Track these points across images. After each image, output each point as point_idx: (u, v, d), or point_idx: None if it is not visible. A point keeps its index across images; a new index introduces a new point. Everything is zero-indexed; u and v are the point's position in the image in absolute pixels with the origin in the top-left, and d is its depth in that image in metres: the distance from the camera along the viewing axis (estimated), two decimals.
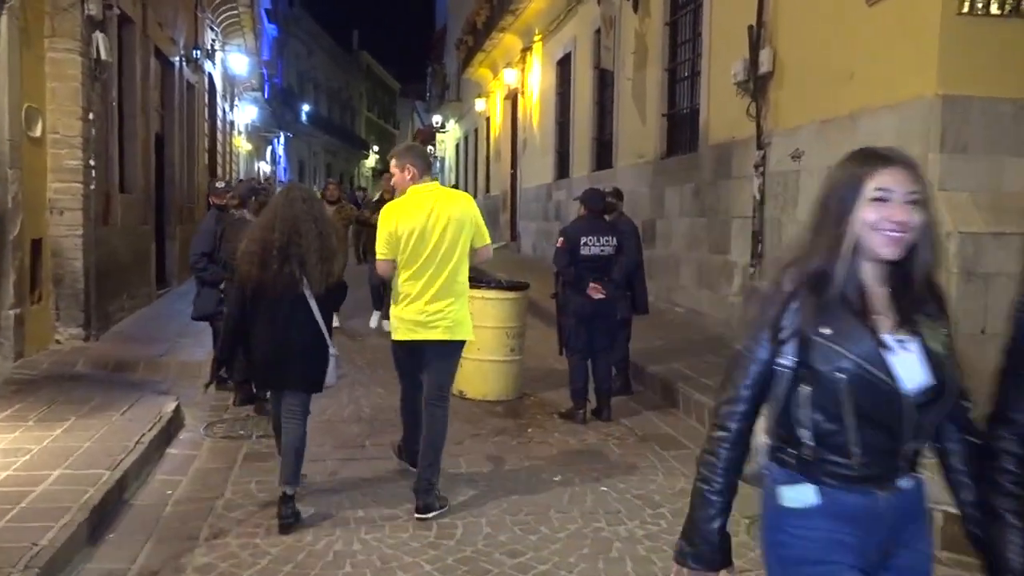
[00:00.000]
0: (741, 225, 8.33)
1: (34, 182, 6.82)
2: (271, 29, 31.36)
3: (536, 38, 17.10)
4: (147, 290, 9.77)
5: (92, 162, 7.38)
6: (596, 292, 5.61)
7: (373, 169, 58.88)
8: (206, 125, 14.63)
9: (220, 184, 6.63)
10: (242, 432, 5.43)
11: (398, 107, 66.00)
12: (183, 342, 7.51)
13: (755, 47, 7.82)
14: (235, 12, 15.59)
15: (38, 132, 6.84)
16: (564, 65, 15.53)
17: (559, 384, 6.87)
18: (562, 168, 15.61)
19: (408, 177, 4.34)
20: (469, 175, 27.97)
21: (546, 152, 16.55)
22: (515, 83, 18.72)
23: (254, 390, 5.92)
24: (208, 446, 5.14)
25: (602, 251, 5.69)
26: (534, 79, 17.68)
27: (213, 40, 14.91)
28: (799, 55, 7.36)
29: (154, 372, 6.65)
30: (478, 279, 6.63)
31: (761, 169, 7.85)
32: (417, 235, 4.17)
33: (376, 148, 60.39)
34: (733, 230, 8.53)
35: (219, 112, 16.92)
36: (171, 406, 5.32)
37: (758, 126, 7.86)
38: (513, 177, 20.20)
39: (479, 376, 6.28)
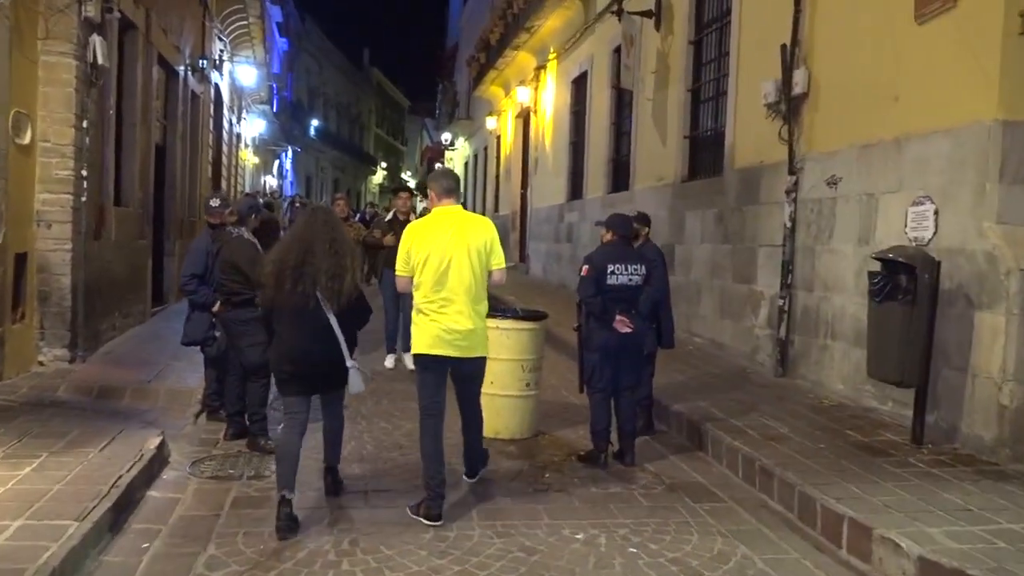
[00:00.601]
0: (769, 253, 7.87)
1: (20, 192, 6.41)
2: (282, 43, 31.20)
3: (551, 56, 16.76)
4: (141, 308, 9.33)
5: (84, 172, 6.96)
6: (623, 326, 5.15)
7: (380, 185, 58.72)
8: (211, 137, 14.26)
9: (215, 202, 6.18)
10: (232, 471, 4.95)
11: (407, 124, 66.03)
12: (175, 366, 7.05)
13: (789, 67, 7.40)
14: (245, 23, 15.27)
15: (27, 139, 6.43)
16: (580, 84, 15.17)
17: (576, 422, 6.40)
18: (575, 189, 15.20)
19: (430, 199, 4.72)
20: (478, 194, 27.60)
21: (559, 172, 16.15)
22: (528, 101, 18.37)
23: (246, 423, 5.46)
24: (194, 488, 4.66)
25: (630, 280, 5.23)
26: (548, 98, 17.32)
27: (221, 51, 14.57)
28: (837, 75, 6.93)
29: (141, 399, 6.19)
30: (492, 307, 6.19)
31: (793, 195, 7.39)
32: (432, 255, 4.40)
33: (384, 164, 60.27)
34: (760, 258, 8.06)
35: (225, 124, 16.57)
36: (155, 441, 4.85)
37: (790, 150, 7.42)
38: (523, 197, 19.82)
39: (491, 412, 5.77)
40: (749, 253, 8.28)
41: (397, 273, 4.57)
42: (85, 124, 6.91)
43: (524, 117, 19.52)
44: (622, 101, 13.09)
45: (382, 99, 60.60)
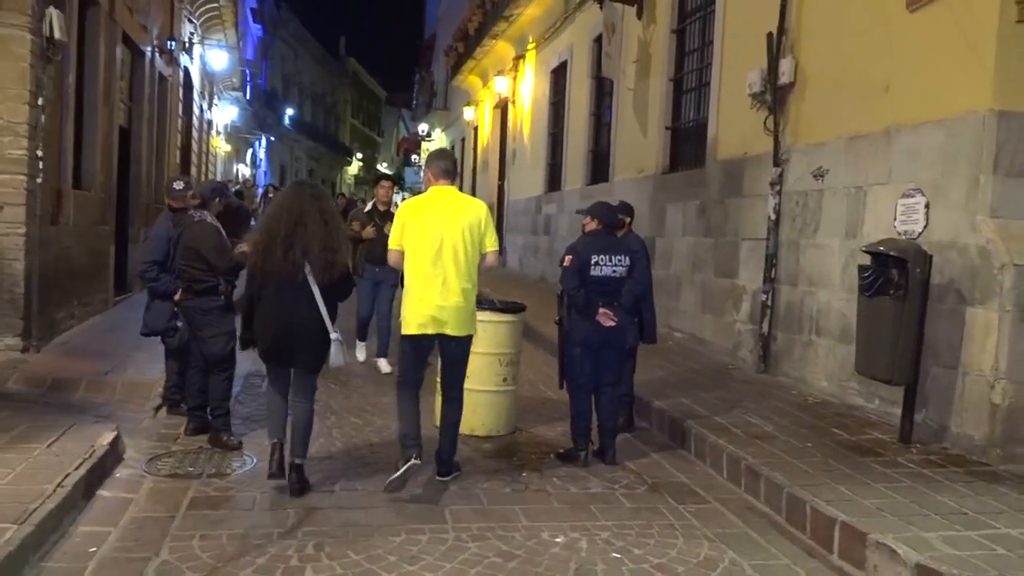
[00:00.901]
0: (752, 247, 7.69)
1: None
2: (256, 29, 30.65)
3: (530, 46, 16.51)
4: (103, 296, 8.96)
5: (40, 153, 6.61)
6: (607, 319, 4.93)
7: (356, 176, 58.13)
8: (180, 121, 13.84)
9: (179, 185, 5.82)
10: (191, 469, 4.66)
11: (383, 115, 65.42)
12: (135, 357, 6.72)
13: (775, 56, 7.22)
14: (216, 5, 14.84)
15: None
16: (559, 74, 14.94)
17: (554, 418, 6.19)
18: (553, 181, 14.98)
19: (424, 179, 4.88)
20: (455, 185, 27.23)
21: (537, 164, 15.92)
22: (506, 92, 18.09)
23: (208, 418, 5.18)
24: (149, 487, 4.37)
25: (614, 272, 5.01)
26: (526, 88, 17.08)
27: (191, 33, 14.14)
28: (825, 65, 6.75)
29: (97, 392, 5.87)
30: None
31: (778, 187, 7.22)
32: (426, 232, 4.48)
33: (360, 155, 59.62)
34: (743, 252, 7.89)
35: (195, 109, 16.13)
36: (108, 437, 4.55)
37: (775, 141, 7.24)
38: (500, 189, 19.58)
39: (467, 408, 5.49)
40: (732, 247, 8.10)
41: (390, 247, 4.60)
42: (41, 101, 6.55)
43: (502, 108, 19.25)
44: (602, 91, 12.88)
45: (358, 89, 59.92)
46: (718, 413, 5.87)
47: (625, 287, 5.08)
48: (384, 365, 7.53)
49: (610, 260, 4.99)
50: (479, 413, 5.57)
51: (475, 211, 4.65)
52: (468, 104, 22.53)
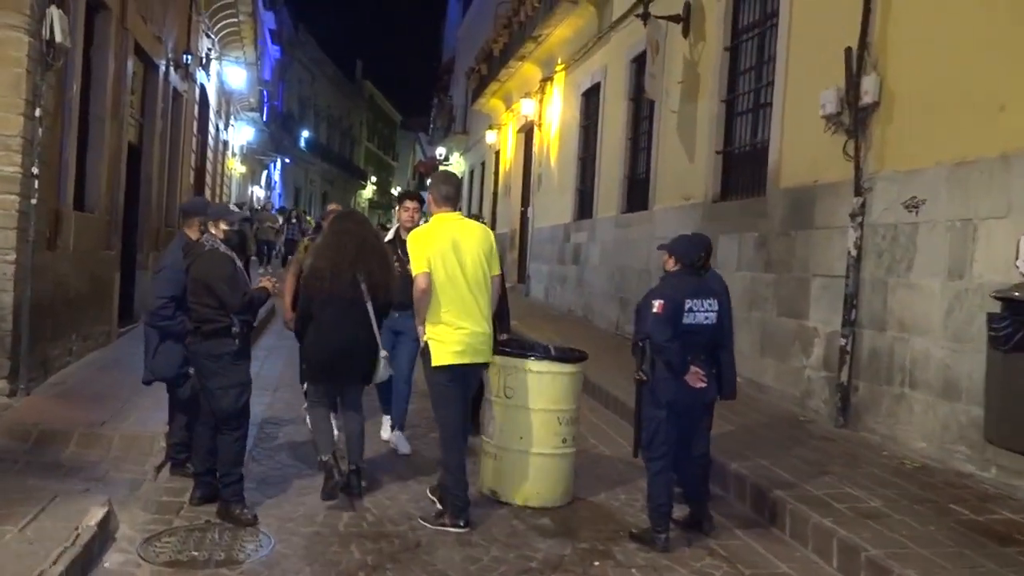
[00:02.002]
0: (826, 285, 6.88)
1: None
2: (274, 50, 30.31)
3: (558, 67, 15.86)
4: (105, 328, 8.21)
5: (36, 170, 5.88)
6: (698, 380, 4.15)
7: (370, 200, 57.73)
8: (195, 141, 13.19)
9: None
10: (195, 554, 3.85)
11: (398, 139, 65.28)
12: (137, 402, 5.93)
13: (855, 73, 6.46)
14: (235, 20, 14.25)
15: None
16: (591, 96, 14.26)
17: (614, 481, 5.38)
18: (584, 208, 14.23)
19: (428, 204, 4.81)
20: (474, 210, 26.61)
21: (565, 190, 15.18)
22: (532, 115, 17.43)
23: (219, 478, 4.37)
24: None
25: (706, 318, 4.25)
26: (553, 111, 16.41)
27: (209, 49, 13.54)
28: (918, 83, 5.99)
29: (90, 447, 5.07)
30: (519, 345, 5.17)
31: (859, 219, 6.42)
32: (447, 258, 4.41)
33: (374, 179, 59.28)
34: (814, 290, 7.07)
35: (211, 129, 15.52)
36: (96, 514, 3.75)
37: (856, 168, 6.45)
38: (523, 215, 18.89)
39: (519, 473, 4.75)
40: (799, 284, 7.29)
41: (419, 271, 4.42)
42: (38, 113, 5.83)
43: (527, 131, 18.63)
44: (640, 114, 12.18)
45: (374, 113, 59.80)
46: (807, 480, 5.04)
47: (715, 336, 4.33)
48: (403, 444, 5.86)
49: (702, 305, 4.22)
50: (534, 480, 4.75)
51: (487, 237, 4.66)
52: (490, 128, 21.89)
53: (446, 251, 4.41)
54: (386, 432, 5.98)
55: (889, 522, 4.33)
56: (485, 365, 4.64)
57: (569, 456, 4.89)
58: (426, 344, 4.45)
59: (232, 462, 4.31)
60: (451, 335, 4.37)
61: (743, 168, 8.87)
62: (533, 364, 4.69)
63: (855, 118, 6.49)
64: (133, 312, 9.35)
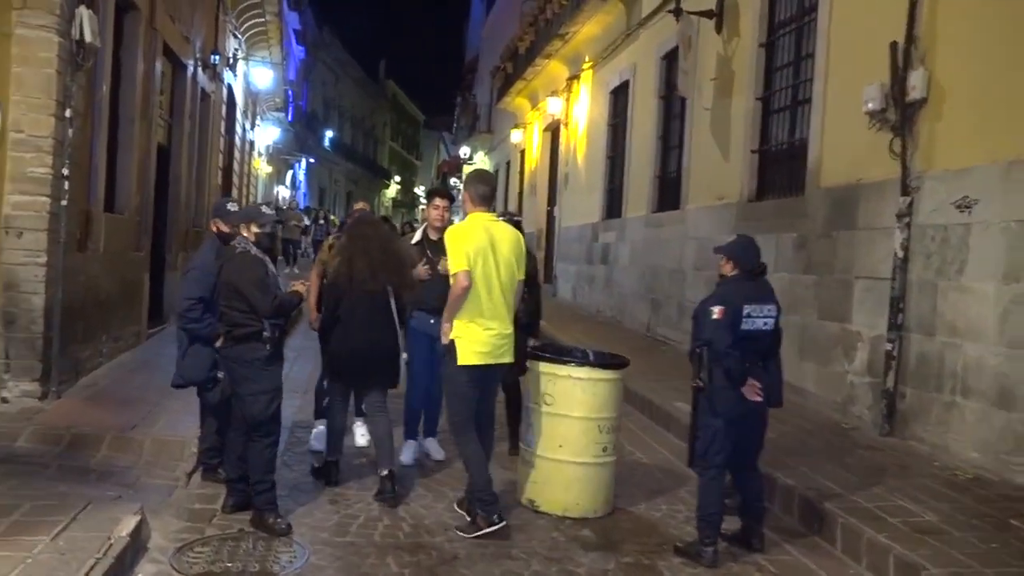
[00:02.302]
0: (869, 287, 6.66)
1: None
2: (299, 51, 30.36)
3: (586, 65, 15.67)
4: (135, 330, 8.16)
5: (66, 171, 5.82)
6: (754, 393, 4.00)
7: (393, 199, 57.83)
8: (222, 141, 13.17)
9: (233, 206, 4.97)
10: (229, 565, 3.74)
11: (422, 138, 65.31)
12: (167, 406, 5.85)
13: (901, 67, 6.24)
14: (261, 20, 14.22)
15: None
16: (619, 94, 14.06)
17: (654, 491, 5.22)
18: (612, 207, 14.04)
19: (463, 203, 4.66)
20: (498, 210, 26.45)
21: (592, 189, 15.00)
22: (558, 113, 17.25)
23: (251, 486, 4.26)
24: None
25: (765, 324, 4.11)
26: (581, 109, 16.22)
27: (236, 49, 13.50)
28: (969, 76, 5.76)
29: (121, 451, 4.99)
30: (556, 350, 5.02)
31: (906, 219, 6.20)
32: (485, 258, 4.36)
33: (397, 178, 59.36)
34: (857, 293, 6.86)
35: (238, 129, 15.51)
36: (129, 524, 3.65)
37: (903, 166, 6.24)
38: (550, 214, 18.73)
39: (559, 482, 4.60)
40: (841, 286, 7.07)
41: (460, 269, 4.30)
42: (68, 113, 5.77)
43: (553, 130, 18.47)
44: (670, 112, 11.97)
45: (397, 112, 59.89)
46: (857, 492, 4.84)
47: (773, 343, 4.16)
48: (437, 450, 5.66)
49: (761, 310, 4.07)
50: (573, 490, 4.60)
51: (519, 240, 4.61)
52: (515, 126, 21.74)
53: (485, 251, 4.35)
54: (410, 455, 5.51)
55: (948, 539, 4.14)
56: (507, 366, 4.58)
57: (610, 465, 4.73)
58: (451, 342, 4.36)
59: (264, 469, 4.20)
60: (479, 335, 4.33)
61: (780, 167, 8.66)
62: (573, 370, 4.55)
63: (901, 114, 6.27)
64: (163, 313, 9.31)
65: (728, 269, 4.26)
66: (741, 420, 4.11)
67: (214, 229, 4.84)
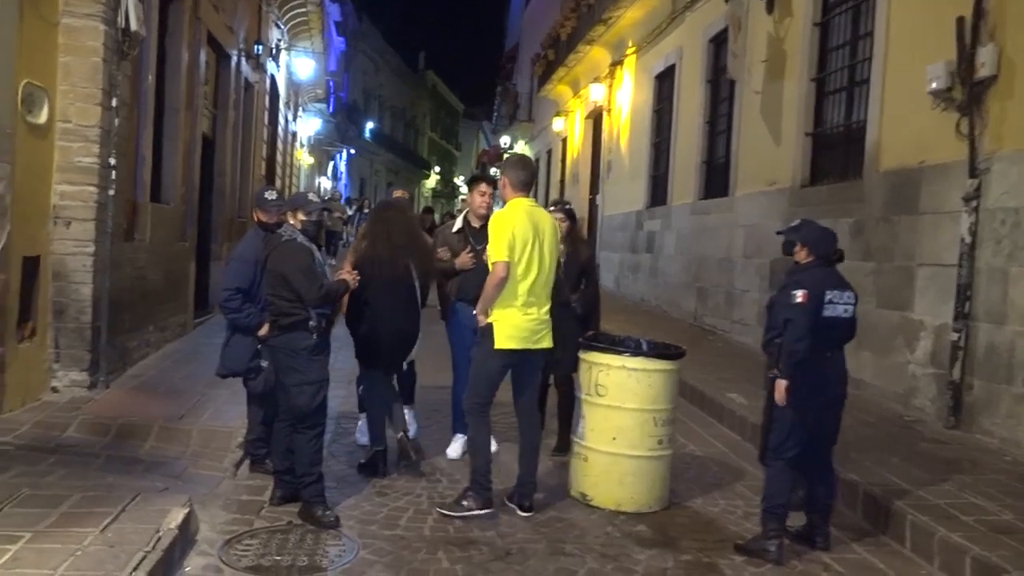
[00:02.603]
0: (933, 275, 6.38)
1: (32, 183, 5.27)
2: (339, 42, 30.42)
3: (629, 51, 15.41)
4: (181, 319, 8.19)
5: (113, 161, 5.80)
6: (782, 396, 3.87)
7: (433, 190, 57.90)
8: (265, 132, 13.20)
9: (271, 195, 4.89)
10: (278, 558, 3.67)
11: (461, 128, 65.26)
12: (214, 395, 5.83)
13: (969, 44, 5.94)
14: (303, 11, 14.20)
15: (42, 118, 5.29)
16: (664, 79, 13.78)
17: (710, 485, 5.05)
18: (657, 194, 13.78)
19: (502, 188, 4.56)
20: (540, 199, 26.30)
21: (636, 176, 14.75)
22: (601, 100, 17.00)
23: (298, 478, 4.18)
24: None
25: (845, 311, 3.99)
26: (624, 96, 15.96)
27: (279, 39, 13.51)
28: None
29: (168, 442, 4.97)
30: (608, 339, 4.86)
31: (974, 203, 5.91)
32: (526, 244, 4.29)
33: (437, 169, 59.40)
34: (919, 280, 6.58)
35: (281, 120, 15.55)
36: (178, 516, 3.60)
37: (971, 147, 5.94)
38: (592, 202, 18.52)
39: (613, 476, 4.45)
40: (903, 273, 6.79)
41: (499, 259, 4.24)
42: (115, 103, 5.75)
43: (595, 117, 18.23)
44: (718, 97, 11.68)
45: (437, 102, 59.86)
46: (926, 487, 4.62)
47: (850, 331, 4.03)
48: (455, 449, 5.44)
49: (841, 297, 3.98)
50: (628, 484, 4.45)
51: (556, 226, 4.61)
52: (557, 114, 21.53)
53: (529, 237, 4.28)
54: (456, 451, 5.37)
55: None
56: (544, 352, 4.46)
57: (666, 458, 4.57)
58: (488, 325, 4.28)
59: (310, 462, 4.12)
60: (519, 320, 4.28)
61: (835, 150, 8.36)
62: (628, 360, 4.39)
63: (969, 93, 5.97)
64: (208, 303, 9.35)
65: (803, 256, 4.07)
66: (818, 412, 3.94)
67: (256, 219, 4.77)
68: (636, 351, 4.47)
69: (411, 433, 5.25)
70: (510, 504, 4.44)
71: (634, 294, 14.31)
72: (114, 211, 5.91)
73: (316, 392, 4.15)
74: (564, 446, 5.12)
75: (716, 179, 11.38)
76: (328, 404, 4.42)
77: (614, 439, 4.42)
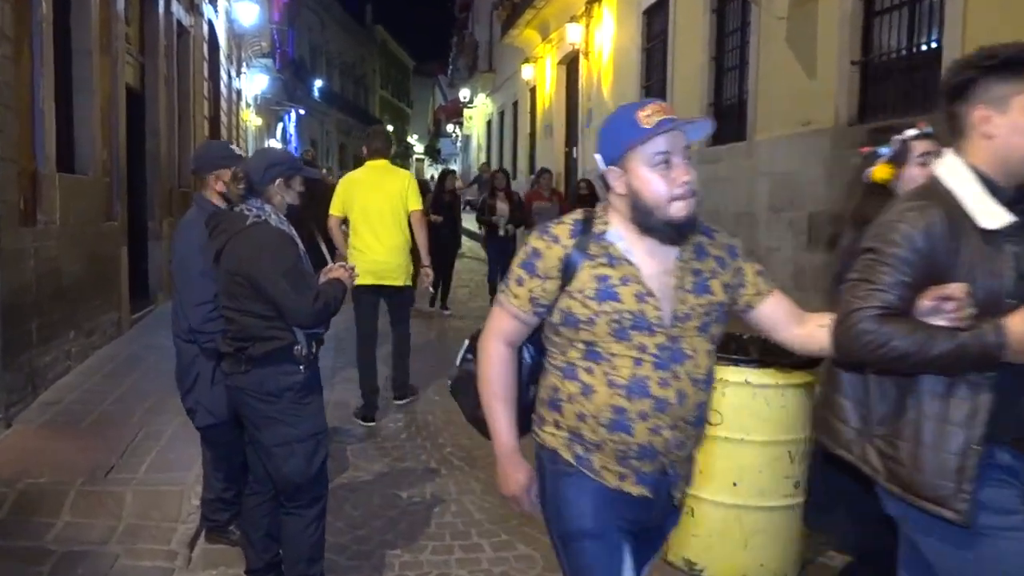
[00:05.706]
0: None
1: None
2: None
3: None
4: (114, 317, 6.64)
5: None
6: None
7: None
8: (206, 86, 11.46)
9: (237, 148, 3.39)
10: None
11: (412, 85, 63.08)
12: (157, 425, 4.36)
13: None
14: None
15: None
16: (655, 14, 12.37)
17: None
18: None
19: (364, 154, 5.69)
20: (506, 154, 24.79)
21: None
22: (577, 42, 15.52)
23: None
24: None
25: None
26: (604, 36, 14.52)
27: None
28: None
29: (91, 514, 3.50)
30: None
31: None
32: (361, 201, 5.36)
33: (390, 127, 57.22)
34: None
35: (223, 75, 13.76)
36: None
37: None
38: (568, 156, 17.16)
39: (736, 537, 3.15)
40: None
41: (331, 213, 5.38)
42: None
43: (569, 62, 16.80)
44: (724, 29, 10.31)
45: (386, 59, 57.56)
46: None
47: None
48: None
49: None
50: (754, 546, 3.14)
51: (400, 179, 5.52)
52: (526, 61, 19.95)
53: (364, 194, 5.39)
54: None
55: None
56: (398, 288, 5.46)
57: (799, 507, 3.26)
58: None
59: (307, 557, 2.73)
60: (359, 261, 4.88)
61: (892, 81, 7.05)
62: (753, 374, 3.05)
63: None
64: (149, 292, 7.78)
65: None
66: None
67: (215, 189, 3.25)
68: (764, 360, 3.12)
69: None
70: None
71: None
72: (4, 187, 4.34)
73: (312, 453, 2.71)
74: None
75: (728, 123, 10.03)
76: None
77: (735, 485, 3.10)
